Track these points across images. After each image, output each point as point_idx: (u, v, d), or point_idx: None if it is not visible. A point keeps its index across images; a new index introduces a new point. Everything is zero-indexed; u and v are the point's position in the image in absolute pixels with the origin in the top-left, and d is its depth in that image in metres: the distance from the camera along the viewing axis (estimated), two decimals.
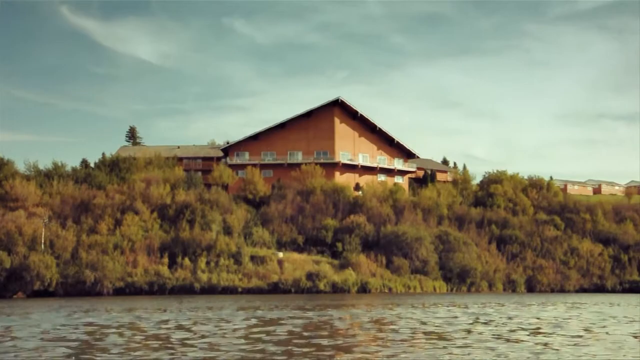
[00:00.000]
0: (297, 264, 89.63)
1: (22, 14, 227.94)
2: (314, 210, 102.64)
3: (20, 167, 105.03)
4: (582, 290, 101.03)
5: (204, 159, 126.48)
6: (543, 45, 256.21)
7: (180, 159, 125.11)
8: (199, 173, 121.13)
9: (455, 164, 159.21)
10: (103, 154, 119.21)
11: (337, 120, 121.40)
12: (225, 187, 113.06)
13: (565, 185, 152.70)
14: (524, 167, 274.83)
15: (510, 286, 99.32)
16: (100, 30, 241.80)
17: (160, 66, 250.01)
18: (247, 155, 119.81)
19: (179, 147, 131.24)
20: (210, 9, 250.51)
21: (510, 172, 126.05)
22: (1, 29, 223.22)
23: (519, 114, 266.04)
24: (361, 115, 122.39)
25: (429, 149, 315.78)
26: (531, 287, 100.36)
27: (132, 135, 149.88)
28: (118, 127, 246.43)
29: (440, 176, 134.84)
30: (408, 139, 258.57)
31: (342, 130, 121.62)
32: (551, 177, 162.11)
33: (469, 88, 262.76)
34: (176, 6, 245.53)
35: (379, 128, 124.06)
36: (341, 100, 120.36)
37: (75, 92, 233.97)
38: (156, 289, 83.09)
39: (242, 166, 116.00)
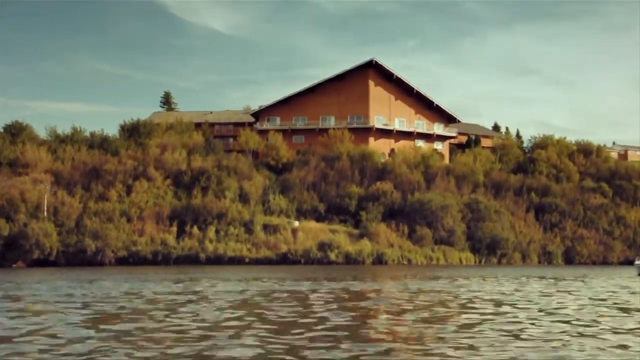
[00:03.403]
0: (311, 234, 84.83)
1: None
2: (339, 177, 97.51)
3: (42, 133, 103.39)
4: (628, 262, 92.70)
5: (236, 124, 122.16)
6: (622, 9, 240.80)
7: (212, 125, 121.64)
8: (230, 139, 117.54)
9: (507, 129, 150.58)
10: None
11: (371, 83, 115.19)
12: (255, 154, 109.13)
13: (626, 151, 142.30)
14: (603, 134, 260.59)
15: (546, 258, 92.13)
16: (175, 2, 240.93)
17: (233, 37, 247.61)
18: (278, 120, 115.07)
19: (211, 113, 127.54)
20: None
21: (591, 140, 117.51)
22: (84, 3, 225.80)
23: (597, 80, 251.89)
24: (397, 77, 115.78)
25: (503, 118, 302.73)
26: (569, 259, 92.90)
27: (166, 100, 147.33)
28: (189, 97, 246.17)
29: (486, 142, 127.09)
30: (480, 108, 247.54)
31: (377, 94, 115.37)
32: (614, 142, 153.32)
33: (546, 55, 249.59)
34: None
35: (417, 91, 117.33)
36: (375, 62, 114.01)
37: (151, 63, 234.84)
38: (160, 259, 79.83)
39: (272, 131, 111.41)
